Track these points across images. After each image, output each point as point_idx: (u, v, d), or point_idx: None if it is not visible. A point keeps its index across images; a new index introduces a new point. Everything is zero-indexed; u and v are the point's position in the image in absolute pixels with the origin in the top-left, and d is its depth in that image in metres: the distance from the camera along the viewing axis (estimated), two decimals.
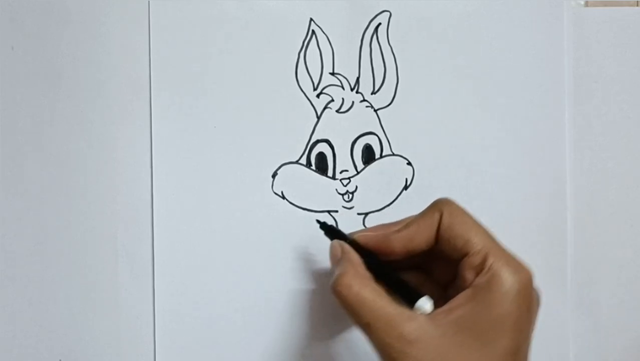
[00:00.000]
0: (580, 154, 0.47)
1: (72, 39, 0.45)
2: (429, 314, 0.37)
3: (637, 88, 0.47)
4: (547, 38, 0.47)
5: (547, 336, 0.46)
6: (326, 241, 0.45)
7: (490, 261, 0.37)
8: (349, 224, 0.46)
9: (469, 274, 0.37)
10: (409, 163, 0.46)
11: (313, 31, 0.46)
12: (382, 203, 0.46)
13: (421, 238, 0.39)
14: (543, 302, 0.44)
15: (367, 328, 0.37)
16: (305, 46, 0.46)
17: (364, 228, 0.46)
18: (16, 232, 0.44)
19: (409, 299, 0.38)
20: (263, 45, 0.45)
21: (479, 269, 0.37)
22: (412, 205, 0.46)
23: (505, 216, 0.46)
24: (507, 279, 0.36)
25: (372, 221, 0.46)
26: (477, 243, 0.37)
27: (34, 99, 0.45)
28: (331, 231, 0.43)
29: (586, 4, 0.48)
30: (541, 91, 0.47)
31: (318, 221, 0.43)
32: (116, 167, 0.45)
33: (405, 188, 0.46)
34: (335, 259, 0.40)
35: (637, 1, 0.48)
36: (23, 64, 0.45)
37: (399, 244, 0.40)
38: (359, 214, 0.46)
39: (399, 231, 0.40)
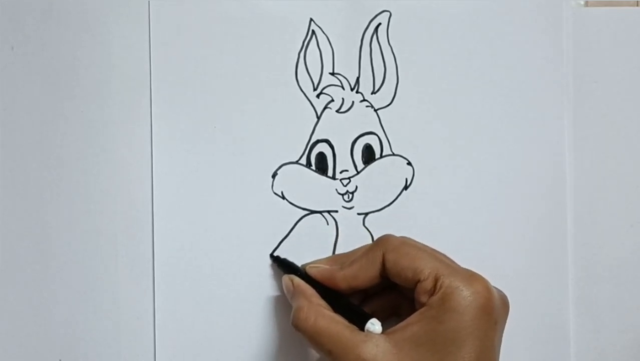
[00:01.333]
0: (580, 154, 0.47)
1: (72, 39, 0.45)
2: (386, 333, 0.38)
3: (637, 88, 0.47)
4: (547, 38, 0.47)
5: (547, 336, 0.46)
6: (330, 238, 0.46)
7: (440, 281, 0.38)
8: (348, 224, 0.46)
9: (423, 298, 0.38)
10: (409, 163, 0.46)
11: (313, 31, 0.46)
12: (382, 203, 0.46)
13: (364, 276, 0.41)
14: (544, 302, 0.44)
15: (330, 355, 0.38)
16: (305, 46, 0.46)
17: (366, 229, 0.46)
18: (16, 232, 0.44)
19: (361, 322, 0.39)
20: (263, 45, 0.45)
21: (432, 291, 0.38)
22: (412, 205, 0.46)
23: (505, 216, 0.46)
24: (460, 293, 0.37)
25: (372, 221, 0.46)
26: (424, 268, 0.39)
27: (34, 99, 0.45)
28: (283, 264, 0.44)
29: (586, 4, 0.48)
30: (541, 91, 0.47)
31: (271, 256, 0.45)
32: (116, 167, 0.45)
33: (405, 187, 0.46)
34: (289, 294, 0.43)
35: (637, 1, 0.48)
36: (23, 64, 0.45)
37: (343, 282, 0.41)
38: (359, 214, 0.46)
39: (343, 269, 0.42)
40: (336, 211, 0.46)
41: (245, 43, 0.45)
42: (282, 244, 0.45)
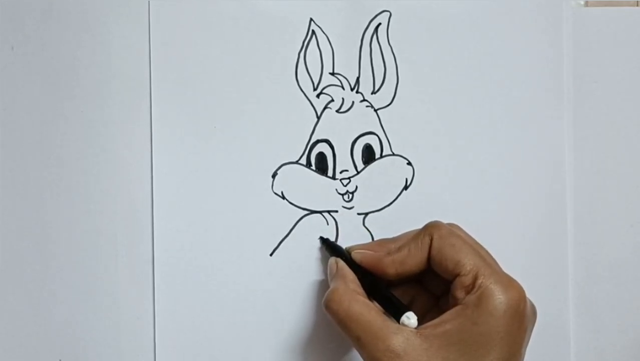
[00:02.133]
0: (580, 154, 0.47)
1: (72, 39, 0.45)
2: (417, 328, 0.38)
3: (637, 88, 0.47)
4: (547, 38, 0.47)
5: (547, 336, 0.46)
6: (330, 238, 0.46)
7: (480, 280, 0.38)
8: (348, 224, 0.46)
9: (460, 294, 0.38)
10: (409, 163, 0.46)
11: (313, 31, 0.46)
12: (382, 203, 0.46)
13: (412, 262, 0.41)
14: (544, 302, 0.44)
15: (358, 342, 0.38)
16: (305, 46, 0.46)
17: (366, 229, 0.46)
18: (16, 232, 0.44)
19: (397, 314, 0.39)
20: (263, 45, 0.45)
21: (470, 288, 0.38)
22: (412, 205, 0.46)
23: (506, 216, 0.46)
24: (496, 297, 0.37)
25: (372, 221, 0.46)
26: (466, 264, 0.39)
27: (34, 99, 0.45)
28: (331, 247, 0.44)
29: (586, 4, 0.48)
30: (541, 91, 0.47)
31: (321, 238, 0.45)
32: (116, 167, 0.45)
33: (405, 187, 0.46)
34: (331, 275, 0.42)
35: (637, 1, 0.48)
36: (23, 64, 0.45)
37: (391, 268, 0.41)
38: (359, 214, 0.46)
39: (391, 254, 0.41)
40: (336, 211, 0.46)
41: (245, 43, 0.45)
42: (282, 244, 0.45)
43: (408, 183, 0.46)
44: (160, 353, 0.45)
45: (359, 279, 0.41)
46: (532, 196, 0.47)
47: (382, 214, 0.46)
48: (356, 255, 0.42)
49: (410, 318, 0.38)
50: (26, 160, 0.45)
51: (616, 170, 0.47)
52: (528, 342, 0.39)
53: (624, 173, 0.47)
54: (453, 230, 0.41)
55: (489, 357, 0.37)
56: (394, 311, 0.39)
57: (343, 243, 0.45)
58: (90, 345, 0.45)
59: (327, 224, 0.46)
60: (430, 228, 0.41)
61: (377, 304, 0.40)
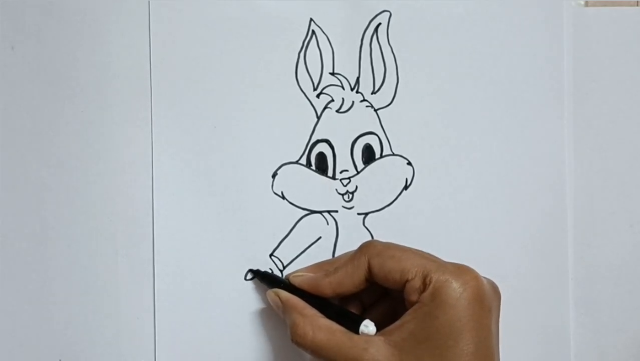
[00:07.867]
0: (580, 154, 0.47)
1: (72, 39, 0.45)
2: (384, 336, 0.38)
3: (637, 88, 0.47)
4: (547, 38, 0.47)
5: (547, 336, 0.46)
6: (330, 238, 0.46)
7: (429, 277, 0.38)
8: (348, 225, 0.46)
9: (414, 297, 0.38)
10: (409, 163, 0.46)
11: (313, 31, 0.46)
12: (382, 203, 0.46)
13: (350, 282, 0.41)
14: (543, 302, 0.44)
15: None
16: (305, 46, 0.46)
17: (366, 229, 0.46)
18: (16, 232, 0.44)
19: (355, 325, 0.39)
20: (263, 45, 0.45)
21: (422, 288, 0.38)
22: (412, 205, 0.46)
23: (506, 216, 0.46)
24: (449, 286, 0.37)
25: (372, 221, 0.46)
26: (411, 268, 0.39)
27: (34, 99, 0.45)
28: (266, 278, 0.44)
29: (586, 4, 0.48)
30: (541, 91, 0.47)
31: (250, 270, 0.45)
32: (116, 167, 0.45)
33: (405, 187, 0.46)
34: (278, 309, 0.43)
35: (637, 1, 0.48)
36: (23, 64, 0.45)
37: (329, 289, 0.41)
38: (359, 214, 0.46)
39: (328, 276, 0.42)
40: (336, 211, 0.46)
41: (245, 43, 0.45)
42: (282, 244, 0.45)
43: (408, 183, 0.46)
44: (160, 353, 0.45)
45: (307, 302, 0.42)
46: (532, 196, 0.47)
47: (382, 214, 0.46)
48: (294, 279, 0.43)
49: (368, 326, 0.39)
50: (26, 160, 0.45)
51: (616, 170, 0.47)
52: (498, 323, 0.39)
53: (624, 173, 0.47)
54: (389, 244, 0.41)
55: (459, 346, 0.37)
56: (351, 324, 0.39)
57: (343, 243, 0.46)
58: (90, 345, 0.45)
59: (327, 224, 0.46)
60: (366, 248, 0.41)
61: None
